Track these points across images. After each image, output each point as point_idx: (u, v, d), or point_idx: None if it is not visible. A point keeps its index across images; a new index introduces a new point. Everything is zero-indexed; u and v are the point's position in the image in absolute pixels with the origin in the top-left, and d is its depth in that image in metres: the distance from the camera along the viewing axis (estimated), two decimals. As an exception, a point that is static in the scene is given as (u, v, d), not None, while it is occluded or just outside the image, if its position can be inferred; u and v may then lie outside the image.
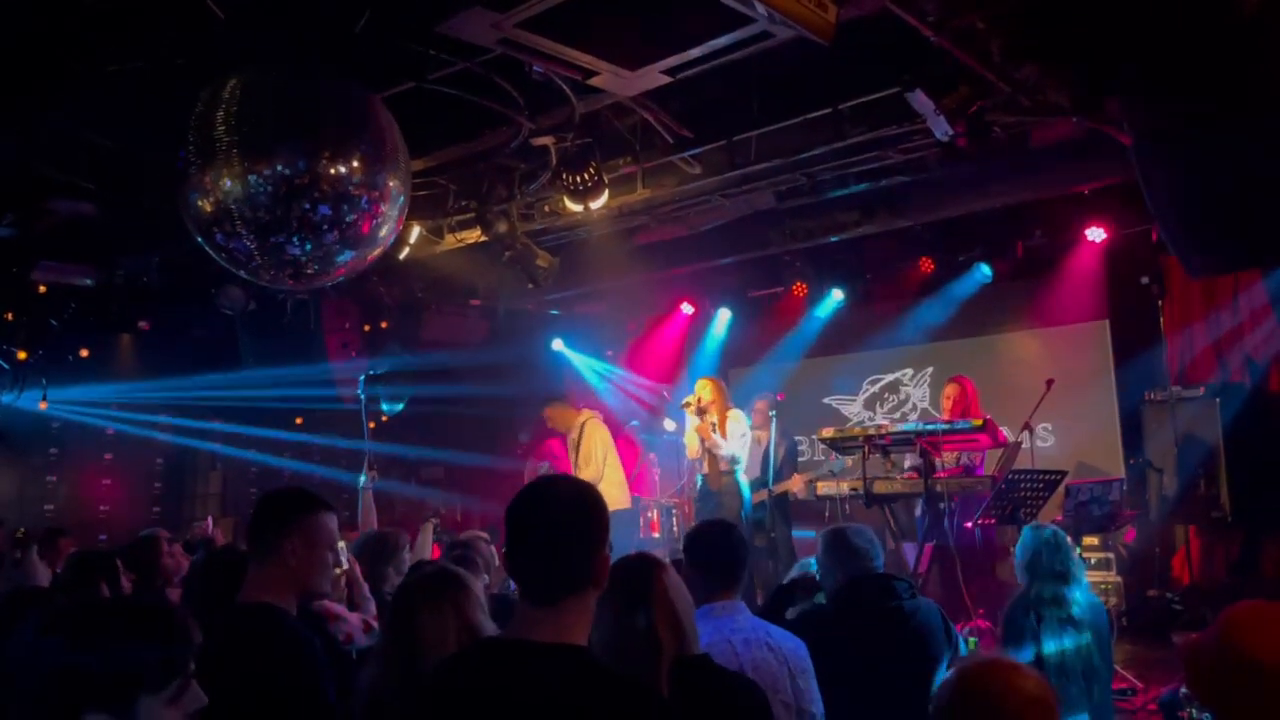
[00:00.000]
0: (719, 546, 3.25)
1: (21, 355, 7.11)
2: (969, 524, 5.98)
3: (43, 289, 7.73)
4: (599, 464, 8.45)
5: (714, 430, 7.35)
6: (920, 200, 7.60)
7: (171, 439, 9.51)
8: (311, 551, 2.80)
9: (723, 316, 10.47)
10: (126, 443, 9.85)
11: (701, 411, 7.40)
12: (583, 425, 8.61)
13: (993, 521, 5.82)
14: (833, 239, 8.35)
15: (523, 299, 10.49)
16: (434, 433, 10.60)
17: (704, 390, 7.54)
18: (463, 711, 1.91)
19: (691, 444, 7.71)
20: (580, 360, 11.36)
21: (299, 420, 9.66)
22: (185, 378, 8.75)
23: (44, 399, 7.68)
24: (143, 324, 8.11)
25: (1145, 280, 8.04)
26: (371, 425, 10.37)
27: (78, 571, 4.89)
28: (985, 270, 8.56)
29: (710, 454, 7.38)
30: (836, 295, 9.52)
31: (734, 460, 7.43)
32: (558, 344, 11.26)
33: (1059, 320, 9.08)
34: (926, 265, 8.96)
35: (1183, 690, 5.09)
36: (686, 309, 10.70)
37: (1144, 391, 8.13)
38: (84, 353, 7.60)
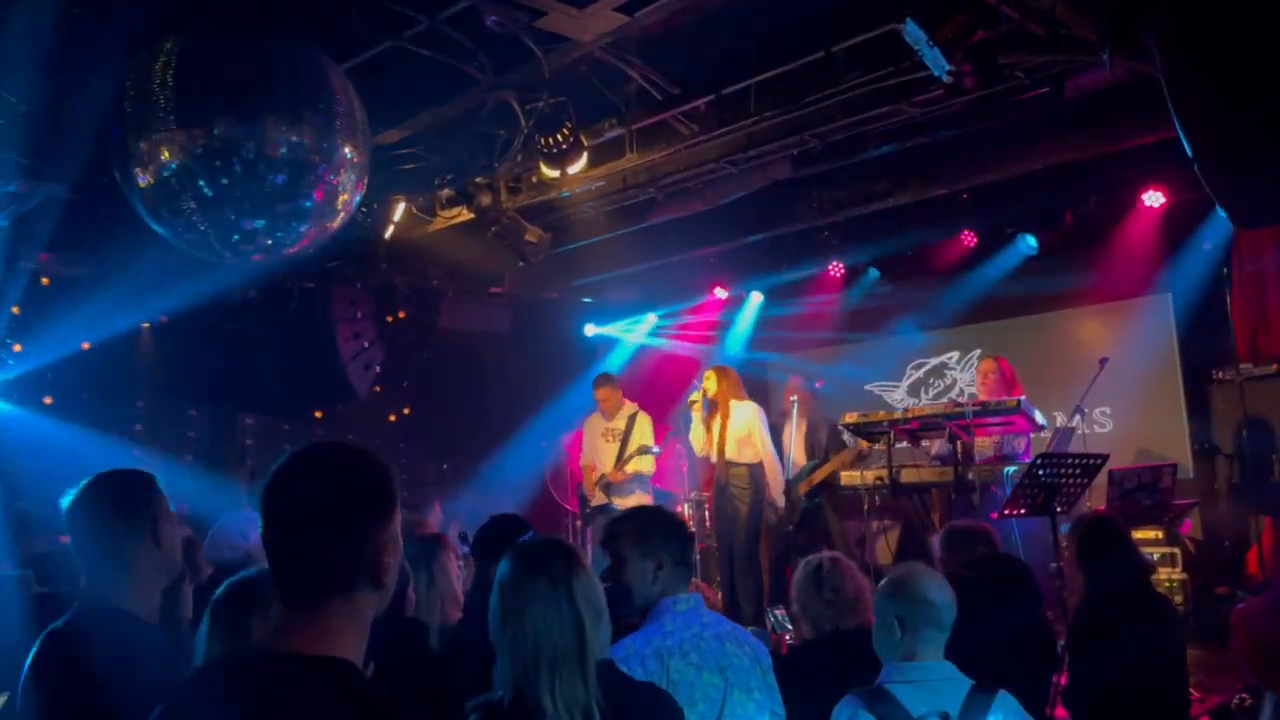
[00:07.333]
0: (669, 535, 2.95)
1: (17, 348, 6.94)
2: (994, 514, 5.37)
3: (45, 280, 7.60)
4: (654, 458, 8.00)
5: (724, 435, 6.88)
6: (953, 165, 7.03)
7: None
8: None
9: (754, 299, 9.94)
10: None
11: (711, 405, 7.02)
12: (632, 416, 8.13)
13: (1022, 512, 5.19)
14: (865, 212, 7.82)
15: (547, 287, 10.13)
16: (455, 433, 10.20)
17: (710, 382, 7.22)
18: None
19: (698, 441, 7.32)
20: (625, 331, 10.87)
21: (318, 414, 9.42)
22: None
23: (48, 396, 7.54)
24: (144, 323, 7.92)
25: (1208, 246, 7.29)
26: (392, 418, 10.19)
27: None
28: (1030, 242, 7.90)
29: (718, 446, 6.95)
30: (874, 273, 8.97)
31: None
32: (590, 328, 10.87)
33: (1116, 294, 8.36)
34: (969, 238, 8.35)
35: (1235, 700, 4.51)
36: (720, 293, 10.19)
37: (1211, 370, 7.43)
38: (84, 345, 7.40)
